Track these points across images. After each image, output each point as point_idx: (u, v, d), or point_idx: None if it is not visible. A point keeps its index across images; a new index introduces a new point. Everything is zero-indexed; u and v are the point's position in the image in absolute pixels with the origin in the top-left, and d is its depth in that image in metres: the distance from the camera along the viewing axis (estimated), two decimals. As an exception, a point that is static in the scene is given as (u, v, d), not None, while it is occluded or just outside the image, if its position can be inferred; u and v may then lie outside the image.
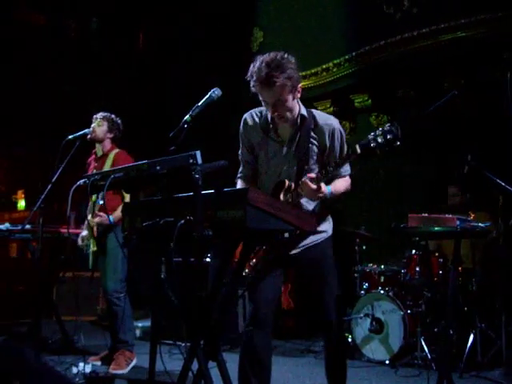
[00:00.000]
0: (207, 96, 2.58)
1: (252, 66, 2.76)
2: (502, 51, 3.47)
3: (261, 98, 2.80)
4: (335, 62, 6.58)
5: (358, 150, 2.62)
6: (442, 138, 5.63)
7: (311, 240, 2.93)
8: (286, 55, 2.77)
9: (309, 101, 6.45)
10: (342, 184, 2.92)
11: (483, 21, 5.32)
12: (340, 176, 2.93)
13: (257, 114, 3.01)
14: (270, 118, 2.92)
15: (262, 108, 2.94)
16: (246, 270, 2.83)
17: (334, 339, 3.02)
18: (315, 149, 2.90)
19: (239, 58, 7.44)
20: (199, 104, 2.55)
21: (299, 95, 2.84)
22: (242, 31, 7.73)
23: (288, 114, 2.82)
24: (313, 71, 6.73)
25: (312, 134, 2.90)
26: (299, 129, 2.90)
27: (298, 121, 2.89)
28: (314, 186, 2.69)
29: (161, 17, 8.82)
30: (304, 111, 2.91)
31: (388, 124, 2.56)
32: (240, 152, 3.11)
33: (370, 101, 6.59)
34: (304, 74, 6.60)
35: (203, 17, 8.26)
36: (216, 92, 2.59)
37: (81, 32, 8.70)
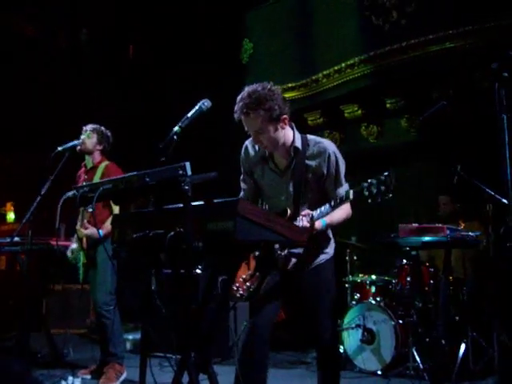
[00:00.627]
0: (197, 107, 2.58)
1: (239, 94, 2.81)
2: (491, 61, 3.46)
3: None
4: (324, 72, 6.61)
5: (351, 197, 2.68)
6: (431, 147, 5.67)
7: (316, 261, 2.99)
8: (271, 87, 2.79)
9: (299, 112, 6.47)
10: (339, 214, 2.91)
11: (471, 31, 5.37)
12: (339, 201, 2.88)
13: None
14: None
15: None
16: (241, 292, 2.83)
17: (328, 354, 3.05)
18: (311, 177, 2.93)
19: (229, 69, 7.48)
20: (189, 115, 2.54)
21: (285, 126, 2.86)
22: (232, 43, 7.75)
23: (271, 144, 2.85)
24: (302, 82, 6.75)
25: (307, 162, 2.92)
26: (293, 159, 2.92)
27: (292, 152, 2.92)
28: (307, 224, 2.72)
29: (150, 28, 8.83)
30: (298, 142, 2.92)
31: (385, 173, 2.59)
32: (241, 178, 3.16)
33: (359, 111, 6.62)
34: (293, 84, 6.62)
35: (193, 28, 8.28)
36: (206, 103, 2.59)
37: (71, 42, 8.69)
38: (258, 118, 2.74)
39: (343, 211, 2.93)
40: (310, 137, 2.99)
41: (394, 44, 5.91)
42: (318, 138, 3.01)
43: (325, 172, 2.91)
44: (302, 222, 2.73)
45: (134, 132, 8.19)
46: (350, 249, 5.47)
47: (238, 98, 2.78)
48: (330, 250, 3.08)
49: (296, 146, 2.91)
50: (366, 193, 2.61)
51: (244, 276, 2.87)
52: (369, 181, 2.62)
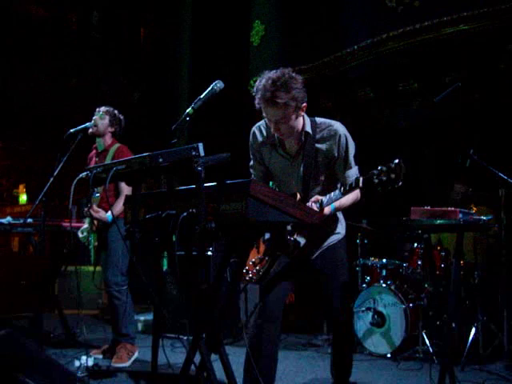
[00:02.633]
0: (209, 88, 2.56)
1: (258, 81, 2.76)
2: (506, 43, 3.46)
3: (264, 115, 2.81)
4: (337, 55, 6.55)
5: (361, 184, 2.64)
6: (445, 131, 5.62)
7: (327, 242, 3.01)
8: (293, 74, 2.76)
9: (310, 94, 6.44)
10: (348, 198, 2.90)
11: (486, 14, 5.30)
12: (349, 188, 2.88)
13: (264, 128, 3.02)
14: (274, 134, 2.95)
15: None
16: (250, 275, 2.84)
17: (343, 330, 3.07)
18: (322, 160, 2.92)
19: (240, 51, 7.43)
20: (201, 96, 2.53)
21: (303, 113, 2.85)
22: (243, 24, 7.69)
23: (289, 132, 2.84)
24: (314, 64, 6.70)
25: (317, 145, 2.91)
26: (304, 144, 2.91)
27: (303, 137, 2.91)
28: (316, 210, 2.71)
29: (161, 10, 8.79)
30: (308, 126, 2.91)
31: (394, 161, 2.56)
32: (250, 164, 3.14)
33: (372, 94, 6.57)
34: (305, 67, 6.58)
35: (203, 10, 8.22)
36: (218, 84, 2.58)
37: (82, 25, 8.67)
38: (283, 107, 2.71)
39: (352, 195, 2.92)
40: (319, 119, 2.97)
41: (407, 26, 5.84)
42: (328, 121, 2.98)
43: (335, 154, 2.91)
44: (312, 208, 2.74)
45: (146, 114, 8.19)
46: (361, 232, 5.46)
47: (260, 85, 2.72)
48: (342, 230, 3.10)
49: (307, 130, 2.90)
50: (376, 181, 2.59)
51: (254, 259, 2.88)
52: (378, 168, 2.60)
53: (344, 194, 2.76)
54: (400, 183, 2.56)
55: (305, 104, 2.81)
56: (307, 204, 2.76)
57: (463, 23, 5.47)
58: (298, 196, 2.84)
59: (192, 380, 2.47)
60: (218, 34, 7.88)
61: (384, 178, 2.57)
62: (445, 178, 5.59)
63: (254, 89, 2.77)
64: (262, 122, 3.03)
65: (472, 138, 5.03)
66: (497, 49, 5.23)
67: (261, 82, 2.73)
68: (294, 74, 2.76)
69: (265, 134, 3.00)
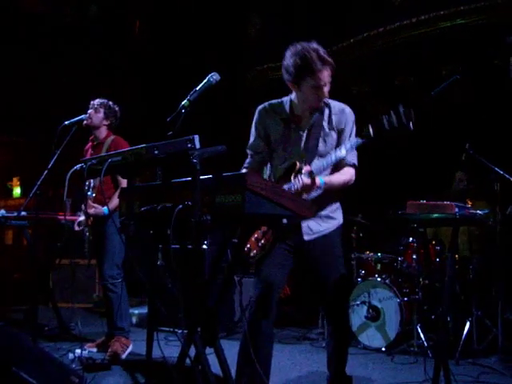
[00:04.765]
0: (205, 80, 2.55)
1: (294, 51, 2.83)
2: (503, 36, 3.44)
3: (312, 82, 2.81)
4: (334, 48, 6.53)
5: (371, 133, 2.65)
6: (441, 124, 5.61)
7: (325, 227, 2.99)
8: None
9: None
10: (339, 177, 2.93)
11: (483, 8, 5.29)
12: (345, 165, 2.94)
13: (275, 106, 3.03)
14: (288, 110, 2.97)
15: (278, 100, 3.03)
16: (254, 251, 2.83)
17: (339, 321, 3.07)
18: (333, 134, 2.95)
19: (237, 43, 7.41)
20: (197, 88, 2.52)
21: None
22: (240, 16, 7.66)
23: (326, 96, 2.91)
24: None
25: (330, 119, 2.96)
26: (322, 114, 2.95)
27: (323, 107, 2.95)
28: (308, 181, 2.73)
29: (157, 3, 8.74)
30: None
31: (400, 107, 2.53)
32: (251, 143, 3.11)
33: (368, 88, 6.56)
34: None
35: (200, 3, 8.18)
36: (214, 76, 2.56)
37: (78, 18, 8.61)
38: (333, 69, 2.83)
39: (345, 176, 2.94)
40: (328, 99, 3.01)
41: (404, 20, 5.83)
42: (337, 101, 3.05)
43: (344, 128, 2.95)
44: (302, 180, 2.74)
45: (142, 108, 8.15)
46: (356, 226, 5.46)
47: (309, 51, 2.78)
48: (339, 216, 3.09)
49: (326, 101, 2.95)
50: (387, 127, 2.57)
51: (256, 235, 2.86)
52: (386, 116, 2.59)
53: (333, 162, 2.81)
54: (412, 127, 2.53)
55: None
56: (299, 175, 2.77)
57: (460, 17, 5.47)
58: (298, 164, 2.84)
59: (187, 373, 2.46)
60: (216, 25, 7.85)
61: (395, 123, 2.55)
62: (444, 169, 5.58)
63: (298, 57, 2.80)
64: (269, 102, 3.06)
65: (469, 132, 5.04)
66: (493, 42, 5.22)
67: (304, 48, 2.81)
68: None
69: (277, 111, 3.01)
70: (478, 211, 3.18)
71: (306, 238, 2.95)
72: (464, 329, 4.47)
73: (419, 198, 3.22)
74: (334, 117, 2.96)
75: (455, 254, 4.70)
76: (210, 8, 8.02)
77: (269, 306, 2.89)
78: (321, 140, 2.94)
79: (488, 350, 4.46)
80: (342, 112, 2.98)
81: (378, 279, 4.94)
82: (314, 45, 2.83)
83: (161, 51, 8.58)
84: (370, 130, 2.63)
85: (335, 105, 3.00)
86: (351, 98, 6.65)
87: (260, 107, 3.07)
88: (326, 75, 2.82)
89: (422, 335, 4.60)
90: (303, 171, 2.77)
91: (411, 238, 5.06)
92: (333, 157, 2.83)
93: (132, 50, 8.76)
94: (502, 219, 4.32)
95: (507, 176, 4.05)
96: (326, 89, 2.86)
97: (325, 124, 2.95)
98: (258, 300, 2.89)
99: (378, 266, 5.22)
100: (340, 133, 2.96)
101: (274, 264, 2.90)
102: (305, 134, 2.96)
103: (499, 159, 4.07)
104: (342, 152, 2.83)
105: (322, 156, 2.91)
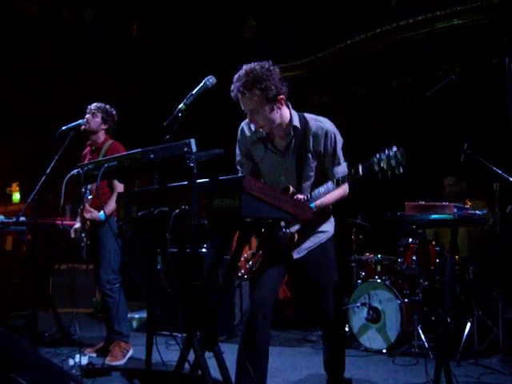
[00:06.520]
0: (201, 84, 2.54)
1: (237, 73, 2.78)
2: (500, 37, 3.47)
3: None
4: (330, 50, 6.54)
5: (361, 173, 2.63)
6: (438, 126, 5.61)
7: (314, 242, 2.99)
8: (269, 66, 2.73)
9: (303, 90, 6.42)
10: (331, 195, 2.88)
11: (479, 8, 5.29)
12: (341, 181, 2.87)
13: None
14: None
15: None
16: (242, 271, 2.82)
17: (332, 330, 3.07)
18: (311, 156, 2.91)
19: (233, 46, 7.40)
20: (193, 92, 2.51)
21: (282, 106, 2.81)
22: (236, 19, 7.66)
23: (267, 124, 2.81)
24: (307, 60, 6.68)
25: (306, 141, 2.90)
26: (292, 139, 2.89)
27: (291, 132, 2.89)
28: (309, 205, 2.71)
29: (154, 5, 8.73)
30: (296, 121, 2.89)
31: (393, 148, 2.53)
32: (237, 160, 3.10)
33: (365, 89, 6.56)
34: (298, 62, 6.55)
35: (197, 6, 8.18)
36: (210, 80, 2.56)
37: (74, 21, 8.60)
38: (253, 98, 2.70)
39: (338, 191, 2.90)
40: (307, 115, 2.96)
41: (401, 21, 5.84)
42: (315, 116, 2.97)
43: (324, 150, 2.89)
44: None
45: (139, 111, 8.14)
46: (356, 227, 5.45)
47: (236, 76, 2.74)
48: (330, 228, 3.08)
49: (295, 124, 2.88)
50: (377, 168, 2.56)
51: (246, 255, 2.86)
52: (377, 155, 2.58)
53: (337, 185, 2.75)
54: (401, 170, 2.54)
55: (282, 96, 2.77)
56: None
57: (456, 18, 5.47)
58: (291, 189, 2.82)
59: (186, 378, 2.45)
60: (212, 28, 7.85)
61: (385, 166, 2.54)
62: (436, 173, 5.59)
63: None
64: (247, 121, 3.00)
65: (467, 133, 5.03)
66: (490, 42, 5.22)
67: (237, 73, 2.74)
68: (271, 67, 2.74)
69: (253, 128, 2.97)
70: (477, 211, 3.17)
71: (295, 256, 2.96)
72: (465, 329, 4.47)
73: (417, 200, 3.22)
74: (310, 138, 2.89)
75: (455, 254, 4.70)
76: (206, 11, 8.02)
77: (262, 325, 2.85)
78: (298, 163, 2.90)
79: (489, 350, 4.45)
80: (320, 132, 2.88)
81: (378, 281, 4.93)
82: (241, 71, 2.73)
83: (160, 52, 8.57)
84: (360, 169, 2.62)
85: (313, 125, 2.90)
86: (349, 99, 6.66)
87: (242, 125, 3.04)
88: (242, 104, 2.77)
89: (422, 336, 4.59)
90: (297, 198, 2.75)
91: (411, 239, 5.06)
92: (329, 184, 2.80)
93: (131, 51, 8.75)
94: (501, 219, 4.32)
95: (506, 176, 4.05)
96: (253, 116, 2.78)
97: (301, 147, 2.89)
98: (249, 320, 2.85)
99: (378, 268, 5.21)
100: (323, 153, 2.89)
101: (265, 282, 2.86)
102: (283, 158, 2.94)
103: (499, 159, 4.06)
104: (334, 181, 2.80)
105: (304, 178, 2.90)
